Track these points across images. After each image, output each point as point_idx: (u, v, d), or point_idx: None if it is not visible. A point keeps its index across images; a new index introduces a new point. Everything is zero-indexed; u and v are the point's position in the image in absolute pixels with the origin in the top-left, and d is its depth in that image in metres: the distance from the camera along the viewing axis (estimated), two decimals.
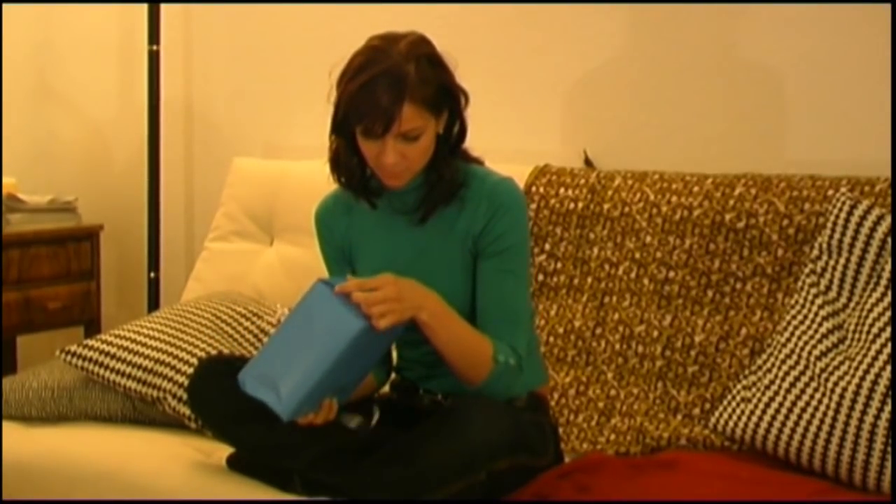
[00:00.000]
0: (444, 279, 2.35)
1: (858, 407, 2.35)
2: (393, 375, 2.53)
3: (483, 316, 2.35)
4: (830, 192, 2.73)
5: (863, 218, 2.55)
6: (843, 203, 2.58)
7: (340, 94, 2.26)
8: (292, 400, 2.13)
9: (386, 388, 2.53)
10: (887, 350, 2.38)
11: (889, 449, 2.31)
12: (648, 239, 2.90)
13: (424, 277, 2.32)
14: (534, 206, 3.03)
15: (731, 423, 2.54)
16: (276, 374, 2.14)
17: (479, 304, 2.36)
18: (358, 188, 2.40)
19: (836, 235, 2.57)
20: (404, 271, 2.33)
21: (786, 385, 2.48)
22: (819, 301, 2.56)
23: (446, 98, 2.29)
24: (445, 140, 2.34)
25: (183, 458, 2.57)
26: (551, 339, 2.93)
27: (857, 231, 2.55)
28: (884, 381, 2.34)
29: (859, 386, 2.36)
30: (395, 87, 2.20)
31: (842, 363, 2.44)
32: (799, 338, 2.53)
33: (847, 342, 2.48)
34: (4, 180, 3.66)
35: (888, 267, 2.49)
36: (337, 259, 2.50)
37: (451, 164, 2.35)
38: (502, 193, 2.36)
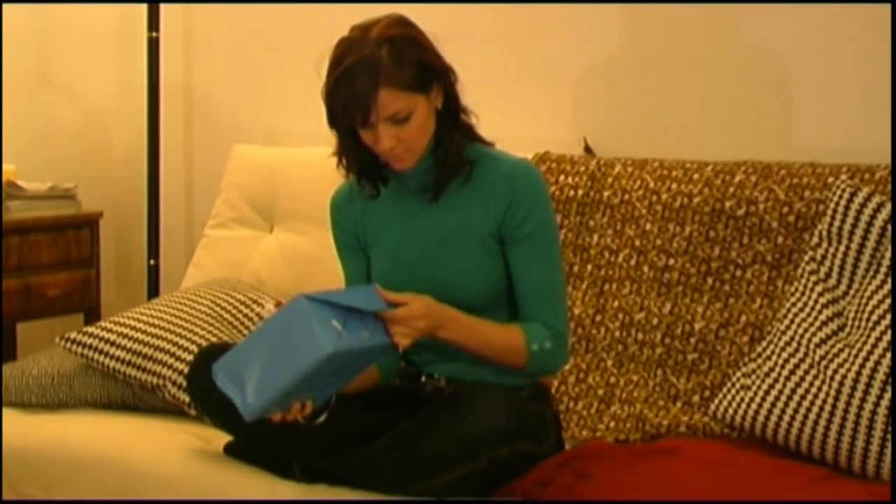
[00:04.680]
0: (462, 260, 2.37)
1: (858, 394, 2.35)
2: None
3: (519, 299, 2.39)
4: (830, 180, 2.73)
5: (863, 205, 2.55)
6: (844, 190, 2.58)
7: (324, 89, 2.28)
8: (255, 404, 2.14)
9: None
10: (887, 337, 2.38)
11: (888, 436, 2.31)
12: (648, 226, 2.90)
13: (442, 260, 2.36)
14: None
15: (730, 411, 2.54)
16: (245, 374, 2.16)
17: (515, 288, 2.39)
18: (363, 176, 2.40)
19: (836, 223, 2.57)
20: (421, 255, 2.36)
21: (785, 372, 2.49)
22: (819, 288, 2.56)
23: (430, 75, 2.29)
24: (445, 114, 2.35)
25: (182, 445, 2.57)
26: None
27: (857, 218, 2.55)
28: (883, 368, 2.34)
29: (859, 373, 2.36)
30: (368, 75, 2.21)
31: (841, 350, 2.44)
32: (799, 325, 2.53)
33: (847, 329, 2.48)
34: (4, 167, 3.65)
35: (888, 254, 2.49)
36: (350, 246, 2.50)
37: (455, 138, 2.36)
38: (520, 176, 2.37)
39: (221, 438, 2.50)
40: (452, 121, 2.36)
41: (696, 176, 2.89)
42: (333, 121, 2.30)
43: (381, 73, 2.21)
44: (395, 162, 2.32)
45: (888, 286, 2.45)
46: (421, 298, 2.24)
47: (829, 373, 2.41)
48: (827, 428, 2.38)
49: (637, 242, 2.91)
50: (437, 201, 2.38)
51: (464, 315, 2.31)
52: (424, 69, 2.27)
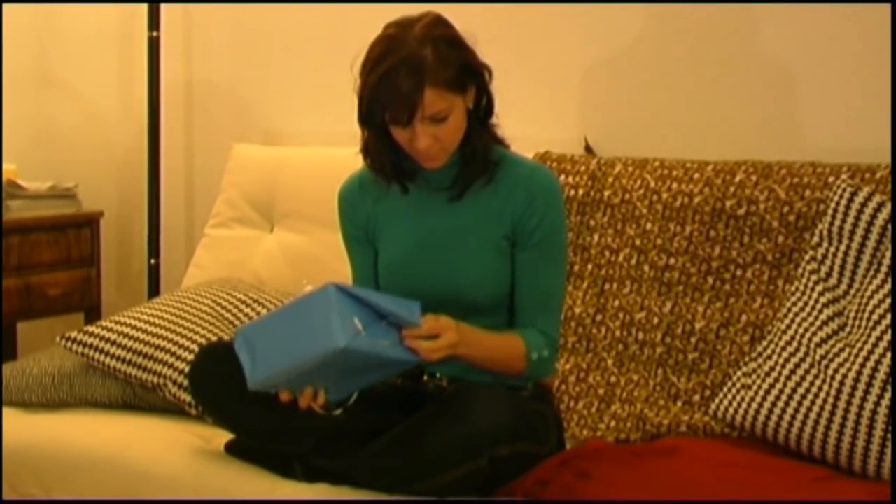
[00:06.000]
0: (475, 260, 2.38)
1: (858, 394, 2.35)
2: None
3: (519, 302, 2.40)
4: (831, 179, 2.73)
5: (863, 205, 2.55)
6: (844, 190, 2.58)
7: (362, 87, 2.26)
8: (259, 374, 2.18)
9: None
10: (887, 337, 2.38)
11: (889, 436, 2.31)
12: (649, 226, 2.90)
13: (455, 258, 2.37)
14: None
15: (731, 410, 2.54)
16: (259, 344, 2.19)
17: (516, 291, 2.40)
18: (391, 174, 2.41)
19: (837, 222, 2.57)
20: (434, 252, 2.37)
21: (786, 372, 2.49)
22: (819, 288, 2.56)
23: (469, 75, 2.30)
24: (476, 114, 2.36)
25: (183, 444, 2.57)
26: None
27: (857, 218, 2.55)
28: (884, 368, 2.34)
29: (859, 373, 2.36)
30: (413, 74, 2.20)
31: (842, 350, 2.44)
32: (799, 325, 2.53)
33: (847, 329, 2.48)
34: (5, 166, 3.66)
35: (888, 254, 2.49)
36: (359, 239, 2.50)
37: (483, 138, 2.37)
38: (539, 182, 2.39)
39: (222, 437, 2.50)
40: (482, 121, 2.37)
41: (696, 175, 2.89)
42: (370, 118, 2.29)
43: (426, 73, 2.21)
44: (428, 160, 2.32)
45: (889, 286, 2.45)
46: (444, 317, 2.24)
47: (830, 372, 2.41)
48: (827, 427, 2.38)
49: (637, 242, 2.91)
50: (457, 200, 2.38)
51: (472, 328, 2.31)
52: (464, 69, 2.28)
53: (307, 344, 2.11)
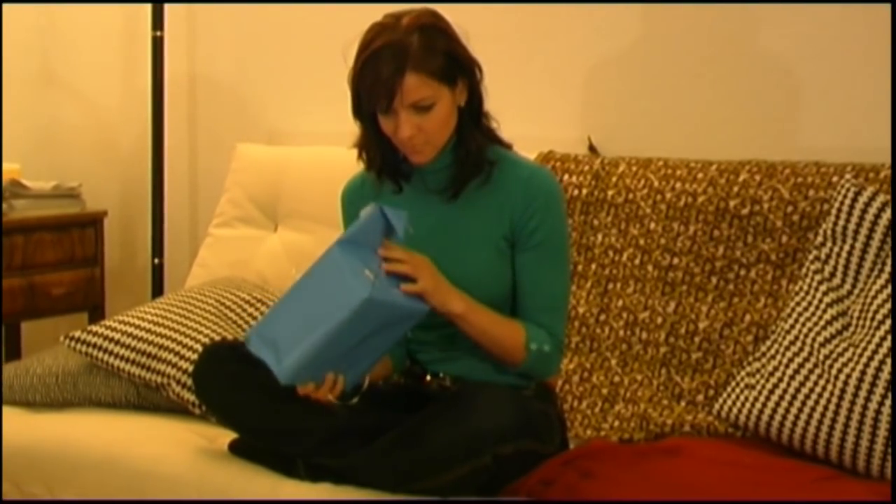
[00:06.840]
0: (475, 261, 2.38)
1: (862, 394, 2.35)
2: None
3: (522, 303, 2.39)
4: (835, 179, 2.73)
5: (867, 205, 2.55)
6: (848, 190, 2.58)
7: (351, 73, 2.29)
8: (291, 364, 2.14)
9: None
10: (891, 337, 2.37)
11: (892, 436, 2.31)
12: (652, 225, 2.90)
13: (455, 259, 2.36)
14: None
15: (734, 410, 2.54)
16: (279, 335, 2.15)
17: (518, 292, 2.40)
18: (384, 170, 2.41)
19: (841, 222, 2.57)
20: (436, 250, 2.36)
21: (790, 372, 2.48)
22: (823, 288, 2.55)
23: (457, 67, 2.30)
24: (469, 113, 2.35)
25: (187, 444, 2.57)
26: None
27: (861, 218, 2.54)
28: (888, 368, 2.34)
29: (863, 373, 2.36)
30: (396, 59, 2.22)
31: (846, 350, 2.43)
32: (803, 324, 2.53)
33: (851, 329, 2.48)
34: (9, 166, 3.66)
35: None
36: None
37: (476, 137, 2.36)
38: (538, 184, 2.38)
39: (225, 437, 2.50)
40: (475, 120, 2.37)
41: (700, 175, 2.89)
42: (358, 108, 2.30)
43: (408, 58, 2.22)
44: (413, 154, 2.32)
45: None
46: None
47: (834, 372, 2.41)
48: (831, 427, 2.38)
49: (641, 241, 2.91)
50: (454, 200, 2.38)
51: (467, 295, 2.31)
52: (452, 60, 2.28)
53: (331, 311, 2.09)
